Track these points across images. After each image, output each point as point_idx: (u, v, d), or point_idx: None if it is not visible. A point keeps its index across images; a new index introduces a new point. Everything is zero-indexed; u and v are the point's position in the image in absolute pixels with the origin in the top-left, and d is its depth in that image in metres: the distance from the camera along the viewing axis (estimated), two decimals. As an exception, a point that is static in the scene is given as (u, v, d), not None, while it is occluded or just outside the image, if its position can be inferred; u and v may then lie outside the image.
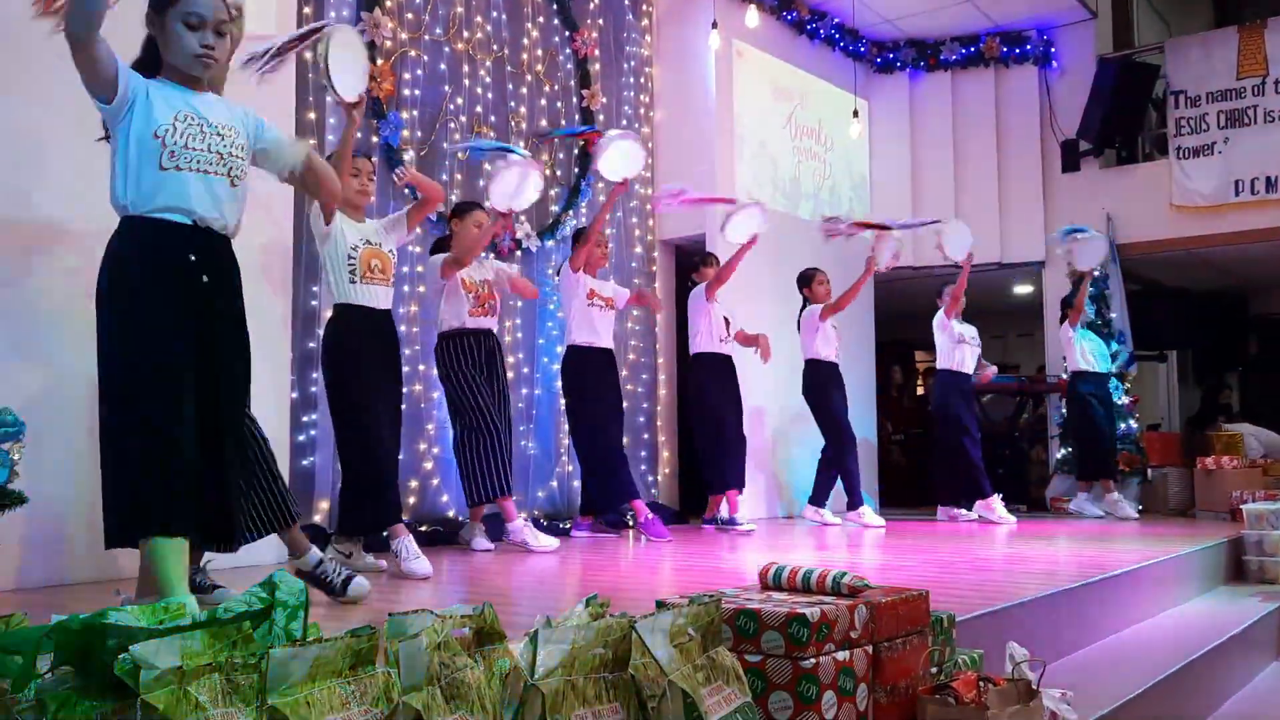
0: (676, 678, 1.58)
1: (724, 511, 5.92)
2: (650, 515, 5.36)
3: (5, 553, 3.31)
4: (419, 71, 5.45)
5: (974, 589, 3.27)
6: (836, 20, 7.94)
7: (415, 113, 5.41)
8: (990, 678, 2.05)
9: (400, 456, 4.11)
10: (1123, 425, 7.55)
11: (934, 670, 2.16)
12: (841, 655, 1.87)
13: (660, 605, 1.76)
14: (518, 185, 4.62)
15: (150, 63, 2.56)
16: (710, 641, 1.71)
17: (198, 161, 2.48)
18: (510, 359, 5.83)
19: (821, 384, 6.38)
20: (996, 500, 6.70)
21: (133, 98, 2.44)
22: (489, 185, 4.72)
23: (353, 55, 3.33)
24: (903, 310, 8.72)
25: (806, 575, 2.12)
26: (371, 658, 1.34)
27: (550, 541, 4.75)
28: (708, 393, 6.00)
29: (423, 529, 4.91)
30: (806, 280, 6.53)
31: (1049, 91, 8.37)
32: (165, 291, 2.45)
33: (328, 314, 4.02)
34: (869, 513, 6.31)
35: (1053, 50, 8.37)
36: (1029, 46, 8.32)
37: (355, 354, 3.84)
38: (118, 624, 1.26)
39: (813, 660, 1.81)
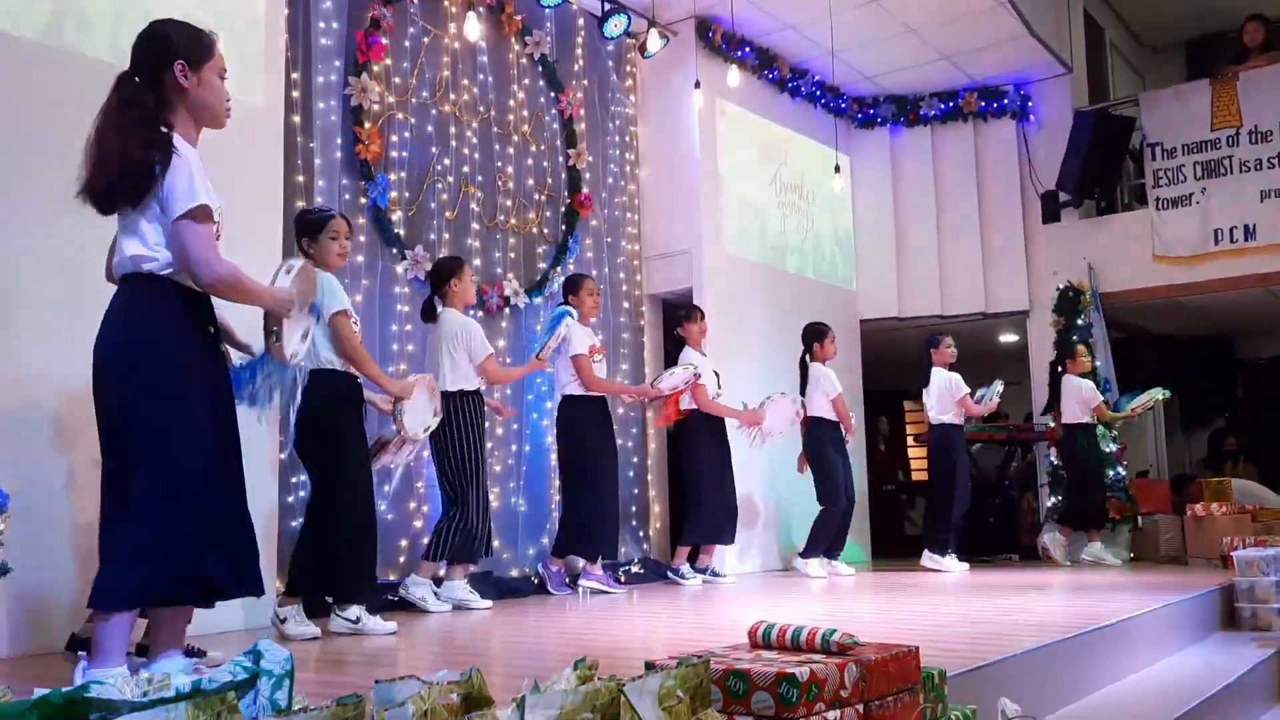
0: (665, 741, 1.56)
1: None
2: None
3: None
4: (406, 133, 5.52)
5: (965, 642, 3.25)
6: (817, 78, 8.08)
7: (403, 174, 5.47)
8: (982, 734, 2.04)
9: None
10: (1111, 472, 7.57)
11: (926, 727, 2.14)
12: (832, 715, 1.86)
13: (649, 667, 1.75)
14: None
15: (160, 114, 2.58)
16: (699, 703, 1.70)
17: None
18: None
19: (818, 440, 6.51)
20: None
21: None
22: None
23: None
24: (891, 359, 8.77)
25: (795, 633, 2.11)
26: (357, 727, 1.33)
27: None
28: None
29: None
30: (819, 336, 6.55)
31: (1027, 144, 8.50)
32: None
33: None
34: (812, 564, 6.43)
35: (1030, 104, 8.51)
36: (1006, 101, 8.46)
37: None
38: (100, 697, 1.26)
39: (803, 720, 1.80)
